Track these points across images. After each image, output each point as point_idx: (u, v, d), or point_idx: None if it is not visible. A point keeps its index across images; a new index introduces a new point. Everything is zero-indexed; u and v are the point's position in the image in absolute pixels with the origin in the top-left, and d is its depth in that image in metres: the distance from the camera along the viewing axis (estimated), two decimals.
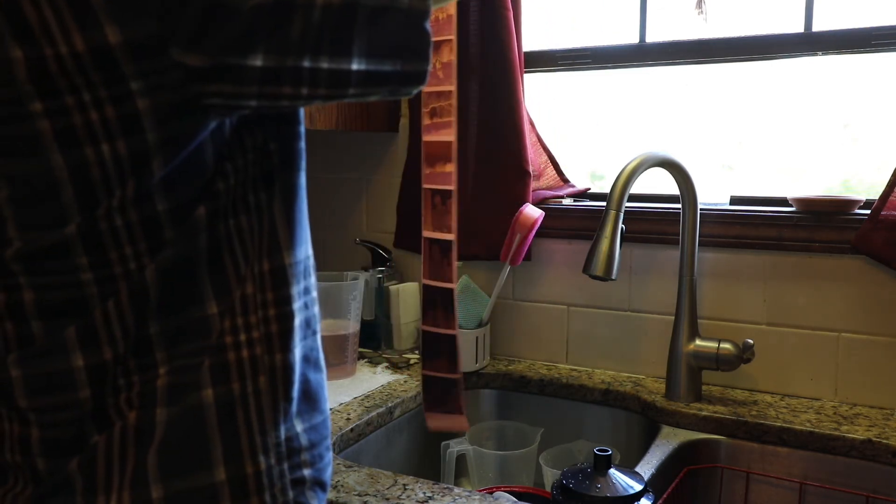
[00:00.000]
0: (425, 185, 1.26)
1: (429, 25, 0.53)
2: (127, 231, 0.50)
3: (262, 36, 0.46)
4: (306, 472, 0.58)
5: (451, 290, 1.13)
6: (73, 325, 0.51)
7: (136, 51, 0.46)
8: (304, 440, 0.58)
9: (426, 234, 1.27)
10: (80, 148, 0.48)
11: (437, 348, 1.19)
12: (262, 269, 0.55)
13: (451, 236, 1.24)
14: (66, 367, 0.51)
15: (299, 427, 0.58)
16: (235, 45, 0.46)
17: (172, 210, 0.51)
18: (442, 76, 1.22)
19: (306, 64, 0.48)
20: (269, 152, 0.56)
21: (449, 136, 1.22)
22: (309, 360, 0.61)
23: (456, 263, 1.23)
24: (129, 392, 0.52)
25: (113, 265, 0.51)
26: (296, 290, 0.58)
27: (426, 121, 1.24)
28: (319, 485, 0.60)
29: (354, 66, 0.50)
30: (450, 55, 1.21)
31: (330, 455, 0.63)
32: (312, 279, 0.63)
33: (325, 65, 0.49)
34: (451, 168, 1.24)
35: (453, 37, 1.21)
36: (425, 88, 1.25)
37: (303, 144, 0.60)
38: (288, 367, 0.57)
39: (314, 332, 0.62)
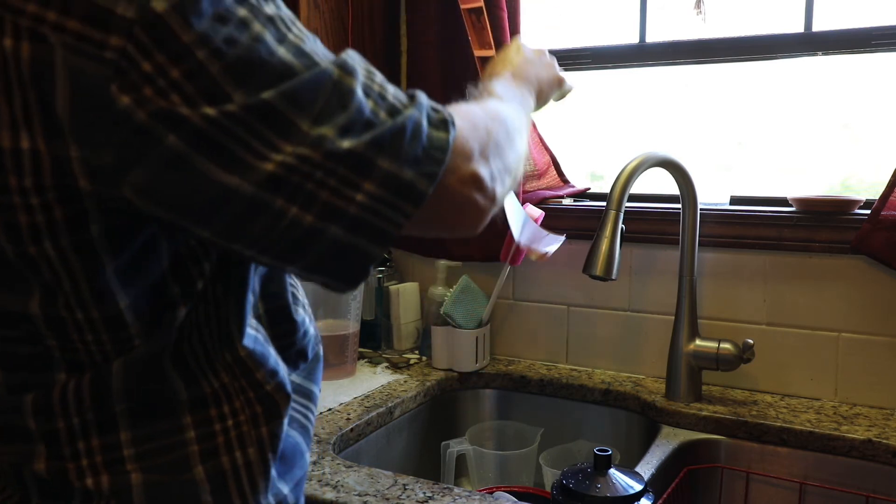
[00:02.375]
0: (463, 5, 1.30)
1: (372, 267, 0.54)
2: (89, 324, 0.51)
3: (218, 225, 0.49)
4: None
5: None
6: (31, 394, 0.53)
7: (94, 173, 0.46)
8: (290, 499, 0.62)
9: (477, 52, 1.32)
10: (24, 245, 0.48)
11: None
12: (228, 359, 0.57)
13: (491, 52, 1.29)
14: (23, 424, 0.53)
15: (286, 488, 0.61)
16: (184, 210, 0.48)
17: (134, 306, 0.51)
18: None
19: (250, 252, 0.51)
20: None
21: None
22: (296, 420, 0.65)
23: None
24: (95, 477, 0.53)
25: (78, 351, 0.52)
26: (270, 367, 0.59)
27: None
28: None
29: (296, 269, 0.53)
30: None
31: None
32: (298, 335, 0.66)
33: (265, 259, 0.52)
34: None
35: None
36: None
37: None
38: (275, 437, 0.59)
39: (311, 394, 0.68)
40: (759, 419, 1.16)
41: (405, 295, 1.54)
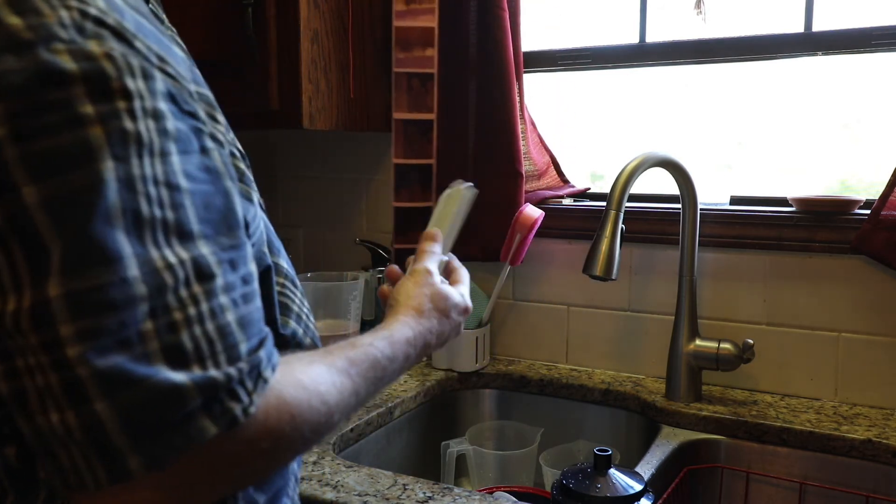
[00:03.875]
0: (397, 69, 1.28)
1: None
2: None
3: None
4: None
5: (429, 166, 1.12)
6: None
7: None
8: None
9: (398, 115, 1.28)
10: None
11: (412, 224, 1.19)
12: None
13: (431, 116, 1.23)
14: None
15: (261, 499, 0.59)
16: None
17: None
18: None
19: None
20: None
21: (430, 21, 1.23)
22: None
23: (436, 142, 1.24)
24: None
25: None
26: None
27: (400, 6, 1.25)
28: None
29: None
30: None
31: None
32: None
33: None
34: (431, 52, 1.25)
35: None
36: None
37: None
38: None
39: None
40: (759, 419, 1.16)
41: None
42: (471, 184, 0.92)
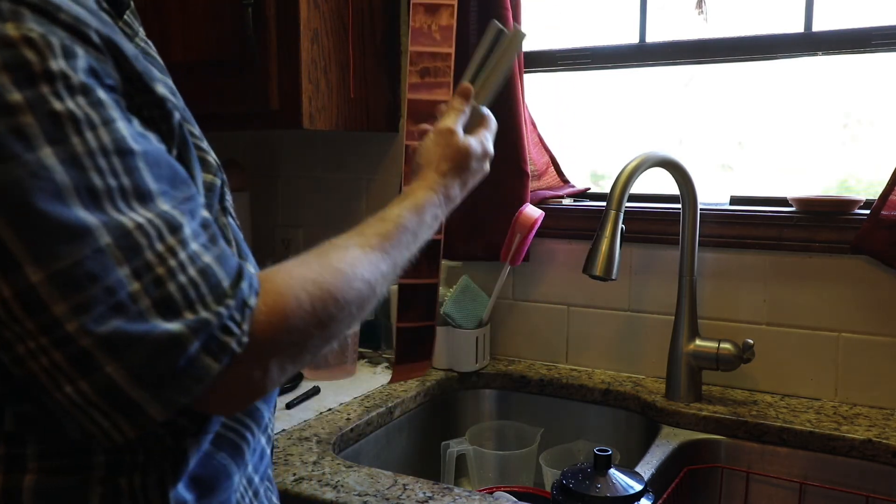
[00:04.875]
0: (408, 142, 1.27)
1: None
2: None
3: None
4: None
5: (438, 242, 1.12)
6: None
7: None
8: None
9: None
10: None
11: (412, 300, 1.18)
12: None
13: None
14: None
15: None
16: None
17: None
18: (439, 38, 1.23)
19: None
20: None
21: (445, 95, 1.23)
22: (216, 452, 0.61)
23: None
24: None
25: None
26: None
27: (414, 79, 1.25)
28: None
29: None
30: (450, 19, 1.22)
31: None
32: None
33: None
34: None
35: (454, 2, 1.21)
36: (418, 49, 1.26)
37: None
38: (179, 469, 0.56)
39: (252, 411, 0.64)
40: (759, 419, 1.16)
41: None
42: (520, 29, 0.90)
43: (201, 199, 0.52)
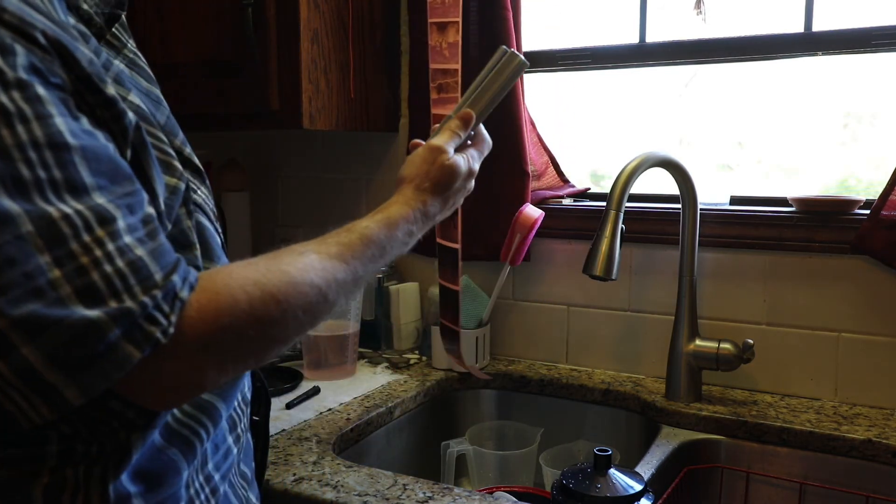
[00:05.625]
0: None
1: None
2: None
3: None
4: None
5: (456, 251, 1.14)
6: None
7: None
8: None
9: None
10: None
11: (446, 301, 1.21)
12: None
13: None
14: None
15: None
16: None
17: None
18: (448, 55, 1.25)
19: None
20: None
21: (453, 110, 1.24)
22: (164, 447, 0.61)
23: (460, 225, 1.26)
24: None
25: None
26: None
27: (434, 94, 1.27)
28: None
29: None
30: (455, 36, 1.23)
31: None
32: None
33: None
34: None
35: (459, 19, 1.23)
36: (432, 65, 1.28)
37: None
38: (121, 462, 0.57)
39: (208, 407, 0.64)
40: (759, 419, 1.16)
41: (405, 295, 1.54)
42: (521, 56, 0.91)
43: (144, 197, 0.53)
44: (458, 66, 1.24)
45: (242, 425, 0.71)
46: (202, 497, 0.64)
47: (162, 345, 0.50)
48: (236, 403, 0.70)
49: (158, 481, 0.59)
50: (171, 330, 0.50)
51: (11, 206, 0.45)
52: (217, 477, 0.66)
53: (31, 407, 0.48)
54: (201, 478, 0.64)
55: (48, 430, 0.53)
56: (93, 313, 0.47)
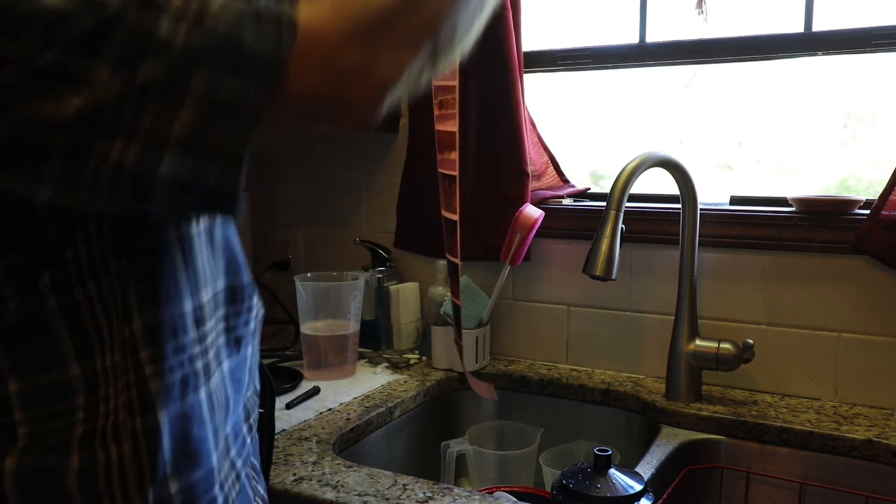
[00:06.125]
0: (439, 170, 1.28)
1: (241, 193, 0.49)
2: None
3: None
4: None
5: (456, 265, 1.14)
6: None
7: None
8: (177, 500, 0.57)
9: (443, 213, 1.29)
10: None
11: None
12: (125, 334, 0.54)
13: (455, 216, 1.25)
14: None
15: (174, 488, 0.56)
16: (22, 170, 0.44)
17: (9, 270, 0.49)
18: (447, 71, 1.24)
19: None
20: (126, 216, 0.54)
21: (452, 126, 1.24)
22: (191, 417, 0.58)
23: (460, 244, 1.25)
24: None
25: None
26: (162, 350, 0.55)
27: (436, 111, 1.26)
28: None
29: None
30: None
31: None
32: (210, 323, 0.61)
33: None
34: (454, 156, 1.26)
35: None
36: (435, 83, 1.27)
37: None
38: (151, 432, 0.54)
39: (198, 388, 0.59)
40: (759, 419, 1.16)
41: (405, 295, 1.54)
42: None
43: None
44: (456, 83, 1.24)
45: (254, 417, 0.71)
46: (229, 482, 0.63)
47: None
48: (249, 394, 0.69)
49: (194, 462, 0.58)
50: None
51: None
52: (239, 463, 0.66)
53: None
54: (227, 463, 0.63)
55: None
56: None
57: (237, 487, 0.65)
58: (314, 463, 1.00)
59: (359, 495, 0.91)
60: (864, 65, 1.30)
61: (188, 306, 0.58)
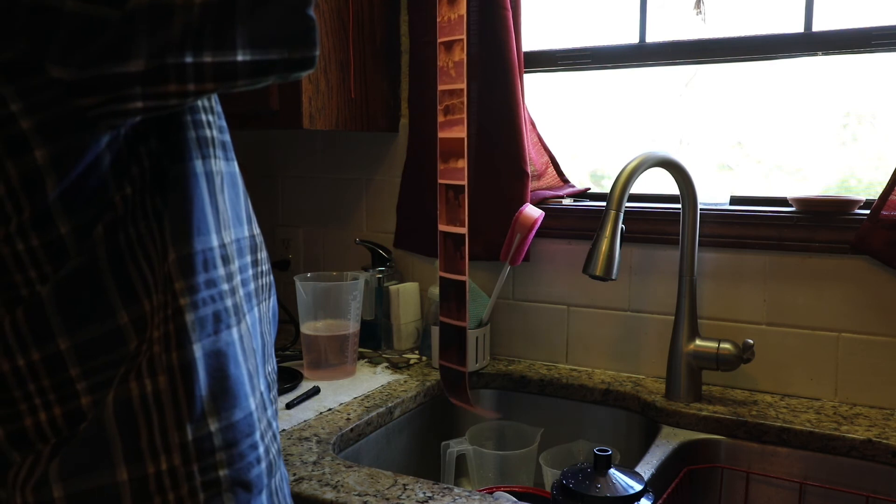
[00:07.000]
0: (440, 181, 1.27)
1: (312, 12, 0.51)
2: (30, 255, 0.49)
3: (140, 40, 0.46)
4: (222, 472, 0.56)
5: (463, 283, 1.13)
6: None
7: (9, 71, 0.45)
8: (218, 440, 0.56)
9: (441, 227, 1.27)
10: None
11: (449, 339, 1.20)
12: (163, 272, 0.54)
13: (463, 230, 1.24)
14: None
15: (213, 426, 0.56)
16: (111, 53, 0.45)
17: (75, 231, 0.50)
18: (454, 75, 1.23)
19: (189, 60, 0.48)
20: (160, 154, 0.55)
21: (461, 132, 1.23)
22: (225, 354, 0.57)
23: (467, 257, 1.24)
24: (48, 412, 0.52)
25: (18, 287, 0.50)
26: (195, 282, 0.55)
27: (441, 118, 1.25)
28: (242, 485, 0.57)
29: (240, 58, 0.50)
30: (461, 53, 1.21)
31: (257, 453, 0.59)
32: (235, 265, 0.61)
33: (209, 59, 0.48)
34: (462, 164, 1.25)
35: (464, 36, 1.21)
36: (440, 87, 1.25)
37: (194, 134, 0.58)
38: (187, 366, 0.54)
39: (230, 326, 0.59)
40: (759, 419, 1.16)
41: (405, 295, 1.54)
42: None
43: None
44: (464, 86, 1.22)
45: (274, 393, 0.70)
46: (268, 436, 0.62)
47: None
48: (269, 369, 0.68)
49: (231, 402, 0.58)
50: None
51: None
52: (275, 425, 0.65)
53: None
54: (265, 419, 0.63)
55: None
56: None
57: (275, 446, 0.64)
58: (314, 463, 1.00)
59: (359, 495, 0.91)
60: (864, 65, 1.30)
61: (215, 241, 0.59)
